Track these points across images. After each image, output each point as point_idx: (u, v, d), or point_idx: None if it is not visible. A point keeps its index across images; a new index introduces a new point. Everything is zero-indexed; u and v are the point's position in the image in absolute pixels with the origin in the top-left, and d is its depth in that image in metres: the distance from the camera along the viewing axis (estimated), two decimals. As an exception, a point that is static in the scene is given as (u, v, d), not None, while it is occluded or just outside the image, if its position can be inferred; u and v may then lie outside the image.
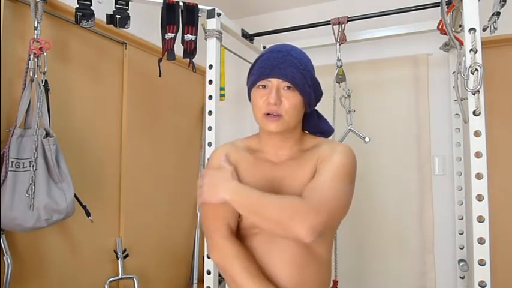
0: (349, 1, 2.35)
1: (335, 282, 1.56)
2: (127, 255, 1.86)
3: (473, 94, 1.16)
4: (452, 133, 1.95)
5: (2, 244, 1.29)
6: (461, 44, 1.27)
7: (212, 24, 1.57)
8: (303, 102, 0.91)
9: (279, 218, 0.79)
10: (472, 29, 1.19)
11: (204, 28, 1.58)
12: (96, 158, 1.75)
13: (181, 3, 1.53)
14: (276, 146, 0.97)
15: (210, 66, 1.57)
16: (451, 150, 1.98)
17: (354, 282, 2.19)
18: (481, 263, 1.13)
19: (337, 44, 1.74)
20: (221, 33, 1.60)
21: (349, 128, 1.80)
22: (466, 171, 1.89)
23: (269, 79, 0.90)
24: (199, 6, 1.56)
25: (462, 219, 1.89)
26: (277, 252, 0.89)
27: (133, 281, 1.86)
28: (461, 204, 1.90)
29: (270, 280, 0.86)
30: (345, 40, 1.75)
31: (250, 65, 0.99)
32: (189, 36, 1.54)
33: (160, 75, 1.63)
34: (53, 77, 1.46)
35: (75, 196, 1.41)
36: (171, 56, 1.55)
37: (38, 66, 1.37)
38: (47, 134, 1.36)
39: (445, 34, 1.56)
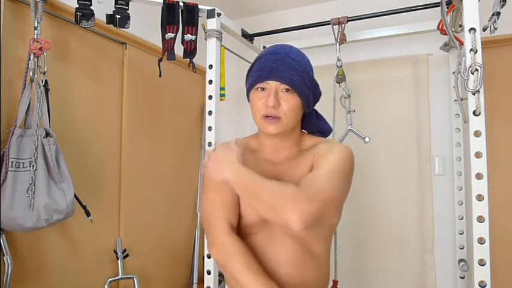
0: (349, 1, 2.35)
1: (335, 282, 1.56)
2: (127, 255, 1.86)
3: (473, 94, 1.16)
4: (452, 133, 1.95)
5: (2, 244, 1.29)
6: (461, 44, 1.27)
7: (212, 24, 1.57)
8: (301, 104, 0.92)
9: (273, 202, 0.80)
10: (472, 29, 1.19)
11: (204, 28, 1.58)
12: (96, 158, 1.75)
13: (181, 3, 1.53)
14: (274, 147, 0.98)
15: (210, 66, 1.57)
16: (451, 150, 1.98)
17: (354, 282, 2.19)
18: (481, 263, 1.13)
19: (337, 44, 1.74)
20: (221, 33, 1.60)
21: (349, 128, 1.80)
22: (466, 171, 1.89)
23: (268, 82, 0.90)
24: (199, 6, 1.56)
25: (462, 219, 1.89)
26: (276, 251, 0.90)
27: (134, 281, 1.86)
28: (461, 204, 1.90)
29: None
30: (345, 40, 1.75)
31: (250, 65, 0.99)
32: (189, 36, 1.54)
33: (160, 75, 1.63)
34: (53, 77, 1.46)
35: (75, 196, 1.41)
36: (171, 56, 1.55)
37: (38, 66, 1.37)
38: (47, 134, 1.36)
39: (445, 34, 1.55)
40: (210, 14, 1.57)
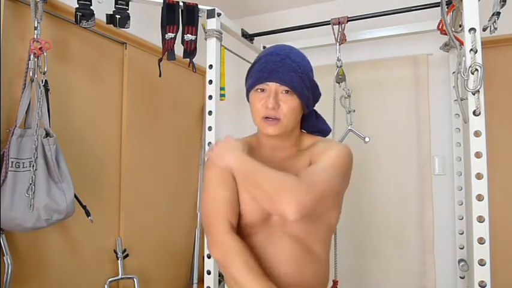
0: (349, 1, 2.35)
1: (335, 282, 1.56)
2: (127, 255, 1.86)
3: (473, 94, 1.16)
4: (452, 133, 1.95)
5: (2, 244, 1.29)
6: (461, 44, 1.27)
7: (212, 24, 1.57)
8: (301, 105, 0.92)
9: (271, 190, 0.81)
10: (472, 29, 1.19)
11: (204, 28, 1.58)
12: (96, 158, 1.75)
13: (181, 3, 1.53)
14: (274, 147, 0.98)
15: (210, 66, 1.57)
16: (451, 150, 1.98)
17: (354, 282, 2.19)
18: (481, 263, 1.13)
19: (337, 44, 1.75)
20: (221, 33, 1.60)
21: (349, 128, 1.80)
22: (466, 171, 1.89)
23: (267, 83, 0.90)
24: (199, 6, 1.56)
25: (462, 219, 1.89)
26: (276, 250, 0.90)
27: (134, 281, 1.86)
28: (461, 204, 1.90)
29: (269, 278, 0.86)
30: (345, 40, 1.75)
31: (250, 65, 0.99)
32: (189, 36, 1.54)
33: (160, 75, 1.63)
34: (53, 77, 1.46)
35: (75, 196, 1.41)
36: (171, 56, 1.55)
37: (38, 66, 1.37)
38: (47, 134, 1.36)
39: (445, 34, 1.56)
40: (210, 14, 1.57)
